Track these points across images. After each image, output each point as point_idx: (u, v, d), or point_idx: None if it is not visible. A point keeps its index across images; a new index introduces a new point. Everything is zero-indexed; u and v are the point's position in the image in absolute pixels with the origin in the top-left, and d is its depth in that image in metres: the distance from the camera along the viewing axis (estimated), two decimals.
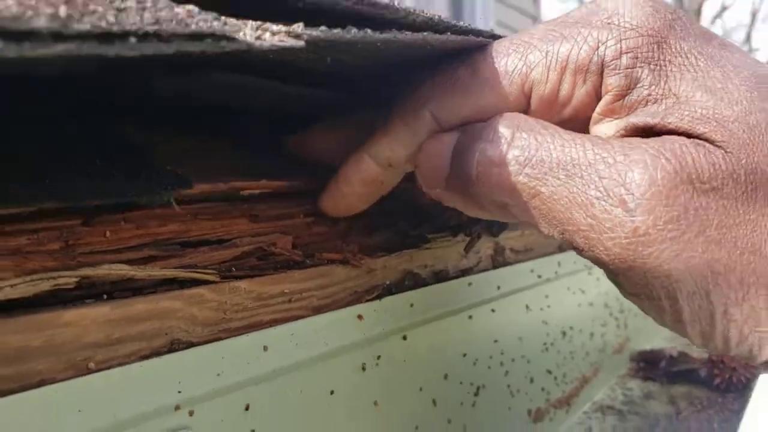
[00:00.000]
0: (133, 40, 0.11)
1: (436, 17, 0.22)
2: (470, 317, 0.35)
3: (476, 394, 0.35)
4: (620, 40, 0.22)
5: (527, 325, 0.41)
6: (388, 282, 0.29)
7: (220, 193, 0.24)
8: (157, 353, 0.20)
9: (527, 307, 0.41)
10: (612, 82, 0.22)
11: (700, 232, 0.19)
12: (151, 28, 0.11)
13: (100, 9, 0.11)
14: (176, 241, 0.22)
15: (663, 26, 0.22)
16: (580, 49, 0.22)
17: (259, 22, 0.15)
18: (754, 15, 12.37)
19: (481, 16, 3.40)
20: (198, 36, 0.13)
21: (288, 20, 0.16)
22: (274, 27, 0.15)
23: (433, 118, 0.24)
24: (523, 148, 0.21)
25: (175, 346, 0.20)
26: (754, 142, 0.20)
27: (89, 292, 0.19)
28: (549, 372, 0.43)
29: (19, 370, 0.16)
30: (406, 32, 0.20)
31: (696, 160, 0.19)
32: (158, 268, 0.20)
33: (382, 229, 0.31)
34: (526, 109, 0.23)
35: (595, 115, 0.23)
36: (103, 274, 0.19)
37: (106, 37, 0.11)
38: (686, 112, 0.20)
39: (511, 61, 0.23)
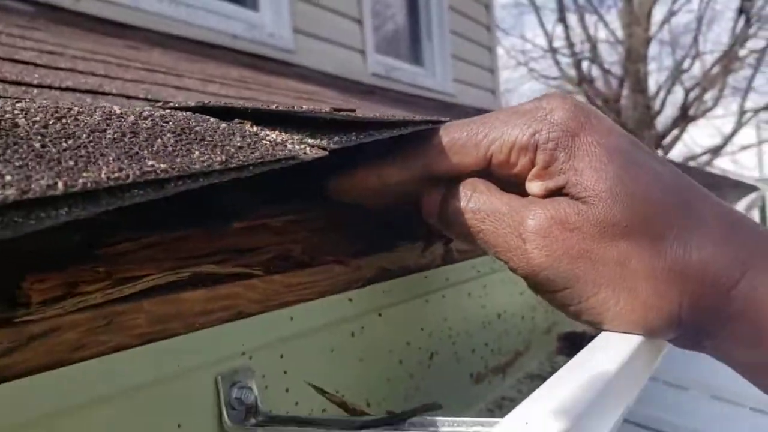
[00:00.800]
0: (251, 168, 0.24)
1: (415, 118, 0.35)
2: (426, 301, 0.47)
3: (431, 358, 0.48)
4: (549, 132, 0.34)
5: (469, 308, 0.54)
6: (368, 275, 0.42)
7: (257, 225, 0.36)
8: (231, 319, 0.32)
9: (469, 294, 0.54)
10: (541, 157, 0.34)
11: (565, 252, 0.32)
12: (258, 161, 0.24)
13: (232, 150, 0.23)
14: (233, 249, 0.34)
15: (577, 125, 0.34)
16: (524, 134, 0.34)
17: (299, 137, 0.28)
18: (699, 20, 12.84)
19: (437, 26, 3.53)
20: (279, 160, 0.25)
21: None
22: (309, 140, 0.28)
23: (425, 166, 0.37)
24: (475, 203, 0.34)
25: (241, 315, 0.32)
26: (612, 203, 0.32)
27: (190, 281, 0.31)
28: (487, 345, 0.56)
29: (164, 328, 0.28)
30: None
31: (567, 212, 0.32)
32: (230, 266, 0.32)
33: (365, 238, 0.44)
34: (488, 167, 0.35)
35: (530, 176, 0.35)
36: (202, 271, 0.31)
37: (241, 168, 0.23)
38: (578, 183, 0.33)
39: (480, 137, 0.35)
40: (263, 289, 0.34)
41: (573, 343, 0.77)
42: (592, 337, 0.79)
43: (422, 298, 0.47)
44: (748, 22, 12.01)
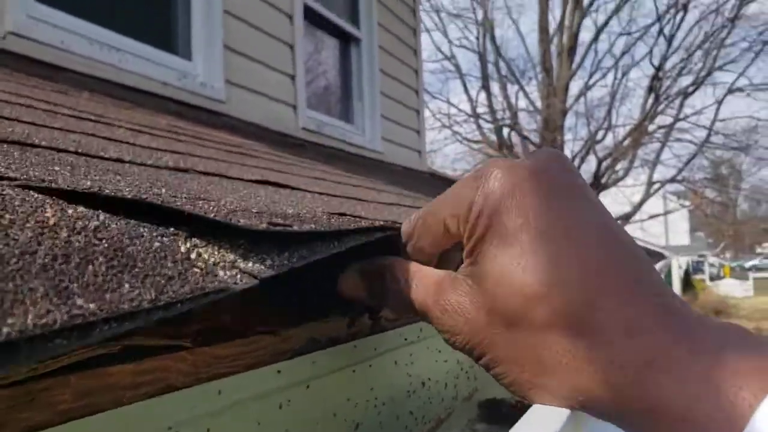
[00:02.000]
0: (179, 305, 0.24)
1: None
2: (354, 371, 0.48)
3: (356, 429, 0.47)
4: (477, 205, 0.35)
5: (395, 377, 0.54)
6: (298, 346, 0.42)
7: None
8: (159, 393, 0.31)
9: (396, 362, 0.54)
10: (467, 228, 0.35)
11: (462, 333, 0.35)
12: (187, 296, 0.25)
13: (162, 282, 0.24)
14: (162, 319, 0.34)
15: (503, 194, 0.34)
16: (462, 207, 0.36)
17: (232, 258, 0.29)
18: (613, 96, 13.74)
19: (368, 86, 3.61)
20: (208, 294, 0.26)
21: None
22: (242, 264, 0.29)
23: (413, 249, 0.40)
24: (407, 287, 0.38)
25: (169, 389, 0.32)
26: (494, 296, 0.33)
27: (118, 355, 0.30)
28: (411, 413, 0.57)
29: (90, 402, 0.27)
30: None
31: (462, 301, 0.35)
32: (159, 338, 0.32)
33: (295, 309, 0.44)
34: (451, 241, 0.38)
35: (464, 241, 0.37)
36: (132, 343, 0.30)
37: (168, 307, 0.23)
38: (479, 265, 0.34)
39: (431, 222, 0.38)
40: (192, 360, 0.34)
41: (493, 410, 0.78)
42: (512, 405, 0.81)
43: (350, 368, 0.47)
44: (657, 100, 12.96)
